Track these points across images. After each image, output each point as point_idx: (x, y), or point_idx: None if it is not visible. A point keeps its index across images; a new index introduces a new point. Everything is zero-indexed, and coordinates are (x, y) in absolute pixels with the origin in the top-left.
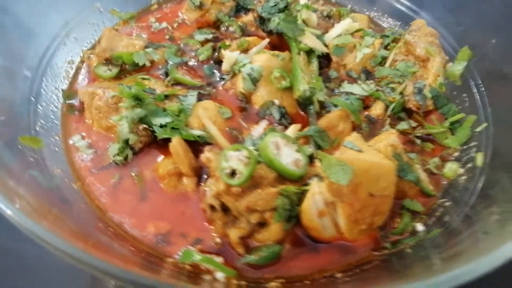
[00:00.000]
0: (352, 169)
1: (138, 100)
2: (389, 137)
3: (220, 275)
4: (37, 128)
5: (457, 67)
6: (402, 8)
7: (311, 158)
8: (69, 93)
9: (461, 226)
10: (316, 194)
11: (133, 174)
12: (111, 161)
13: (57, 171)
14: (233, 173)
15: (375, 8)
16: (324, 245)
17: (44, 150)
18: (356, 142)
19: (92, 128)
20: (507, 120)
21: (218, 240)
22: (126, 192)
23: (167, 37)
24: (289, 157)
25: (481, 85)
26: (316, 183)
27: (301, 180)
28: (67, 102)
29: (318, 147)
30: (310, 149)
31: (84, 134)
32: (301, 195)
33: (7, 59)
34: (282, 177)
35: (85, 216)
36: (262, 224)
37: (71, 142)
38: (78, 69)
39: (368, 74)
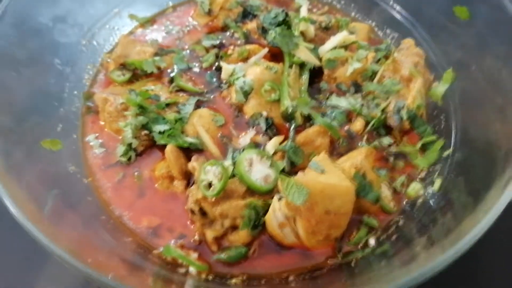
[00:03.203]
0: (307, 191)
1: (142, 108)
2: (356, 158)
3: (192, 269)
4: (58, 129)
5: (440, 88)
6: (402, 20)
7: (283, 172)
8: (88, 95)
9: (408, 243)
10: (276, 210)
11: (135, 173)
12: (117, 160)
13: (71, 168)
14: (210, 185)
15: (376, 18)
16: (287, 249)
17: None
18: (322, 162)
19: (104, 129)
20: (471, 148)
21: (197, 237)
22: (127, 188)
23: (177, 42)
24: (259, 173)
25: (458, 109)
26: (276, 200)
27: (270, 193)
28: (86, 103)
29: (292, 163)
30: (283, 164)
31: (97, 134)
32: (267, 207)
33: (35, 68)
34: (252, 190)
35: (91, 208)
36: (234, 228)
37: (86, 140)
38: (97, 72)
39: (358, 87)
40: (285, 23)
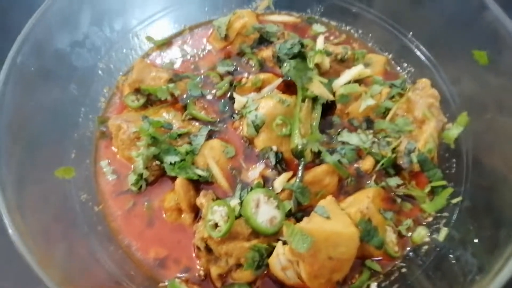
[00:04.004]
0: (311, 239)
1: (154, 138)
2: (362, 202)
3: None
4: (72, 156)
5: (454, 131)
6: (420, 55)
7: (290, 212)
8: (102, 120)
9: None
10: (280, 254)
11: (145, 203)
12: (128, 188)
13: (83, 196)
14: (217, 224)
15: (393, 50)
16: None
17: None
18: (328, 207)
19: (117, 155)
20: (481, 198)
21: (202, 272)
22: (137, 217)
23: (192, 66)
24: (266, 215)
25: (470, 155)
26: (280, 245)
27: (275, 235)
28: (100, 128)
29: (299, 203)
30: (290, 205)
31: (110, 160)
32: (272, 249)
33: (52, 95)
34: (257, 232)
35: (100, 238)
36: (239, 265)
37: (100, 165)
38: (113, 95)
39: (370, 123)
40: (300, 55)
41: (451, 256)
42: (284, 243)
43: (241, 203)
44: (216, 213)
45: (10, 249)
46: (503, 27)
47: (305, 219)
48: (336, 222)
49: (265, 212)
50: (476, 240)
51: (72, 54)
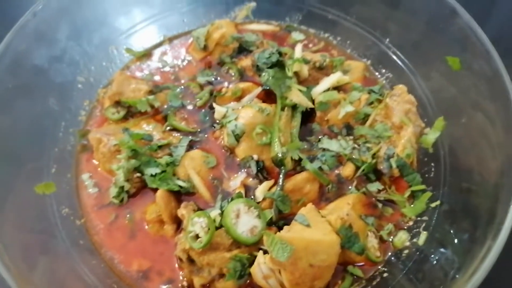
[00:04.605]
0: (291, 248)
1: (134, 151)
2: (342, 209)
3: None
4: (52, 171)
5: (431, 136)
6: (397, 60)
7: (271, 221)
8: (83, 133)
9: None
10: (261, 263)
11: (127, 215)
12: (110, 201)
13: (65, 210)
14: (197, 236)
15: (372, 56)
16: None
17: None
18: (309, 215)
19: (98, 168)
20: (457, 201)
21: (185, 283)
22: (119, 230)
23: (172, 77)
24: (246, 225)
25: (447, 158)
26: (261, 255)
27: (256, 244)
28: (80, 141)
29: (279, 211)
30: (271, 213)
31: (91, 174)
32: (253, 258)
33: (30, 111)
34: (237, 242)
35: (82, 253)
36: (222, 275)
37: (81, 179)
38: (93, 108)
39: (350, 130)
40: (279, 64)
41: (431, 257)
42: (265, 252)
43: (222, 214)
44: (197, 224)
45: None
46: (474, 33)
47: (285, 227)
48: (316, 230)
49: (246, 222)
50: (455, 241)
51: (50, 69)
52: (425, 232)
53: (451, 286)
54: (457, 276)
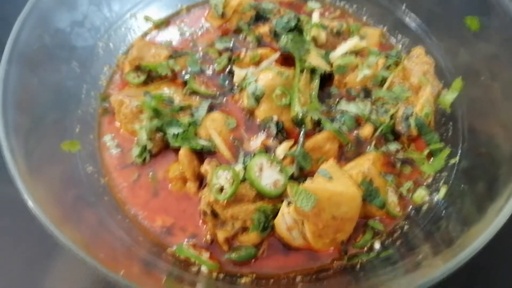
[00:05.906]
0: (315, 197)
1: (156, 111)
2: (363, 164)
3: (203, 268)
4: (76, 131)
5: (449, 96)
6: (413, 26)
7: (292, 177)
8: (104, 96)
9: (412, 250)
10: (285, 214)
11: (150, 174)
12: (132, 161)
13: (89, 168)
14: (222, 188)
15: (387, 23)
16: (295, 250)
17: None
18: (330, 169)
19: (120, 130)
20: (477, 157)
21: (208, 237)
22: (142, 188)
23: (191, 44)
24: (269, 178)
25: (466, 118)
26: (285, 205)
27: (279, 197)
28: (102, 105)
29: (301, 168)
30: (292, 169)
31: (113, 134)
32: (277, 210)
33: (54, 71)
34: (261, 195)
35: (107, 208)
36: (245, 229)
37: (103, 140)
38: (113, 73)
39: (367, 93)
40: (297, 29)
41: (450, 211)
42: (289, 203)
43: (244, 168)
44: (222, 177)
45: None
46: None
47: (308, 180)
48: (338, 183)
49: (269, 176)
50: (473, 197)
51: (72, 33)
52: (444, 187)
53: (468, 237)
54: (472, 229)
